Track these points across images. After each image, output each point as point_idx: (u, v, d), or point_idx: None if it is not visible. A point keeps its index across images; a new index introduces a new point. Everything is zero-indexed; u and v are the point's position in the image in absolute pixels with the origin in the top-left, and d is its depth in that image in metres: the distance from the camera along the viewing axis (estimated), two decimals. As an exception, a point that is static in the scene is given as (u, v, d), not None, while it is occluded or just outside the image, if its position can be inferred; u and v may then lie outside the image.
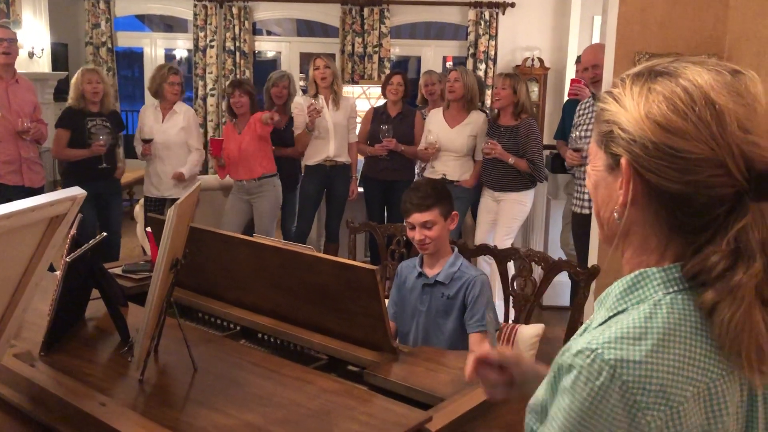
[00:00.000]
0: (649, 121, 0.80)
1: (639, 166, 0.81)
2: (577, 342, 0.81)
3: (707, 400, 0.78)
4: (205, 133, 7.55)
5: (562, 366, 0.80)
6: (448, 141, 4.46)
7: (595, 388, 0.76)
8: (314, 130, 4.60)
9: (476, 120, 4.48)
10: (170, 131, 4.67)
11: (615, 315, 0.83)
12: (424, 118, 4.76)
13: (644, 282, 0.83)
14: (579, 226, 3.99)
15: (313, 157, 4.73)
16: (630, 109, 0.83)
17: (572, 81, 4.60)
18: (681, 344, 0.78)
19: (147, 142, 4.63)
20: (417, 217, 2.33)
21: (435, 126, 4.53)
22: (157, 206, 4.76)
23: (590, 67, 3.95)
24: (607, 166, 0.87)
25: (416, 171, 4.92)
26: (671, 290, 0.82)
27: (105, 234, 2.02)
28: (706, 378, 0.78)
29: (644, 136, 0.80)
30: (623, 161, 0.83)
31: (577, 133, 3.92)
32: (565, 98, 6.04)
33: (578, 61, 4.81)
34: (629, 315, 0.81)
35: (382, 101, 5.08)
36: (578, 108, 4.10)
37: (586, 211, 3.90)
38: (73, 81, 4.47)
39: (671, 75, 0.82)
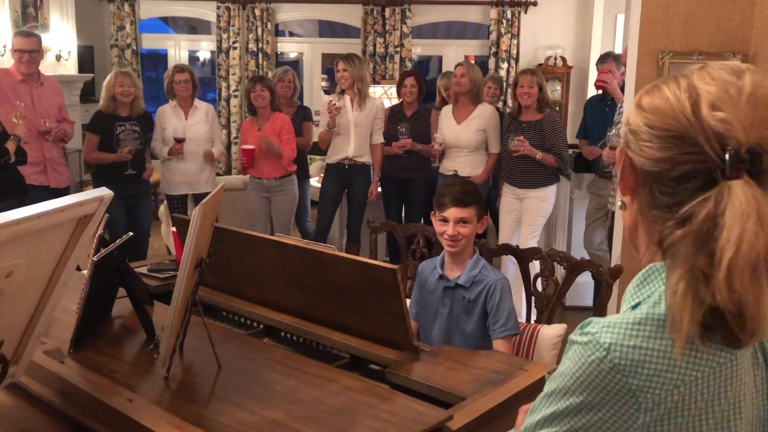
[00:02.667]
0: (637, 108, 0.86)
1: (629, 149, 0.86)
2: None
3: (715, 384, 0.79)
4: (228, 134, 7.63)
5: (570, 340, 0.86)
6: (455, 137, 4.50)
7: (587, 363, 0.81)
8: (335, 127, 4.63)
9: (483, 113, 4.50)
10: (196, 128, 4.71)
11: (630, 309, 0.85)
12: None
13: (653, 276, 0.86)
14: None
15: (333, 155, 4.75)
16: (632, 106, 0.88)
17: (600, 72, 4.55)
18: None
19: (180, 141, 4.61)
20: (455, 212, 2.31)
21: (444, 123, 4.58)
22: (179, 204, 4.80)
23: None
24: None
25: (438, 169, 4.93)
26: None
27: (131, 234, 2.05)
28: (712, 363, 0.79)
29: (634, 122, 0.85)
30: (618, 150, 0.89)
31: (615, 130, 3.89)
32: (588, 95, 5.99)
33: (600, 60, 4.78)
34: (640, 308, 0.83)
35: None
36: (619, 107, 4.07)
37: None
38: (105, 83, 4.51)
39: (677, 78, 0.85)
